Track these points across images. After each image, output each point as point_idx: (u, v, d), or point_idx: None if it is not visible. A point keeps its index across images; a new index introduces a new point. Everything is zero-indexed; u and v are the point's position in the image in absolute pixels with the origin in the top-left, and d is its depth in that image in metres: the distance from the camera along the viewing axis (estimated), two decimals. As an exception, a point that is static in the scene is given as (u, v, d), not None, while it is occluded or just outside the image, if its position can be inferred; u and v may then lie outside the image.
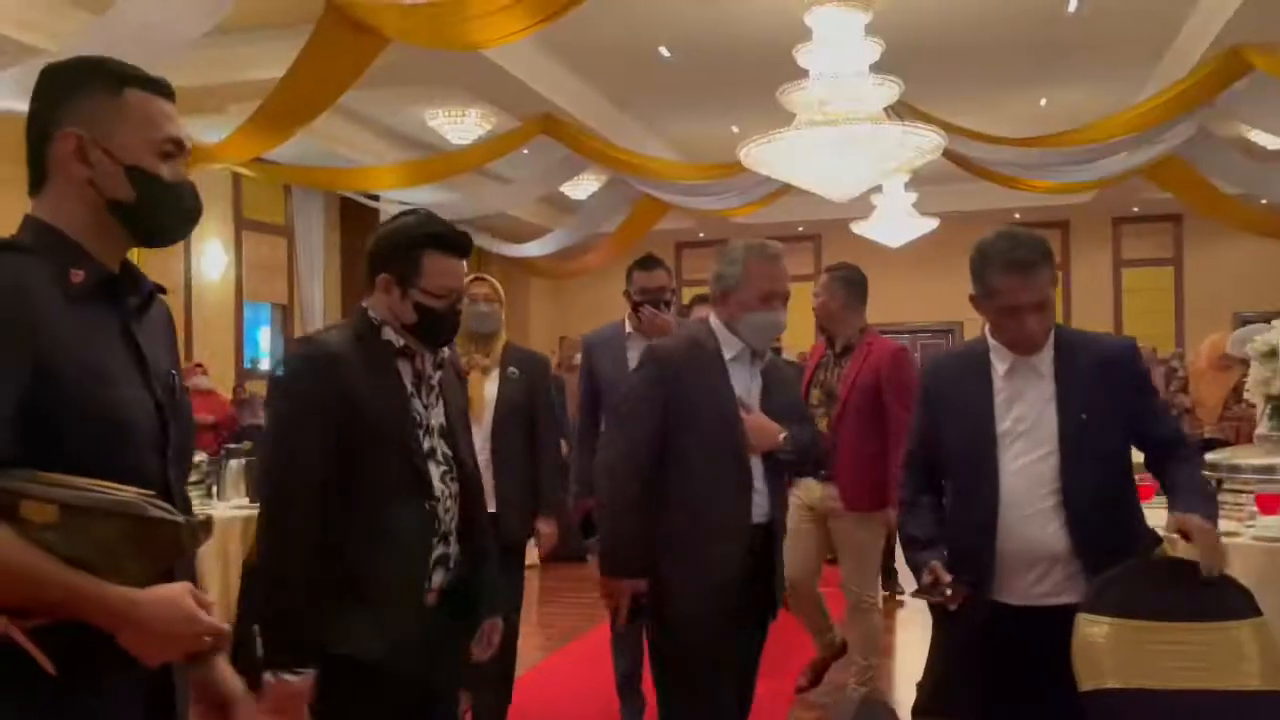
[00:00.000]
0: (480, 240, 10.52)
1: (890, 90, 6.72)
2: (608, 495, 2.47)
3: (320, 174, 9.11)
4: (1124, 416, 2.13)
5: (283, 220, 10.66)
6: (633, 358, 3.25)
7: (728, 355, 2.48)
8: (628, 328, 3.59)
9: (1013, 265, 2.08)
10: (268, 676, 1.77)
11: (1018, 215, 13.22)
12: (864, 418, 3.57)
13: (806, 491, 3.73)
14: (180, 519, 1.23)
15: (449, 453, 2.00)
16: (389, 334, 1.96)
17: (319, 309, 10.28)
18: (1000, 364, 2.18)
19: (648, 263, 3.58)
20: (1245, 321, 13.15)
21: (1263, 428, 3.31)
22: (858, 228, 10.38)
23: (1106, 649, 1.85)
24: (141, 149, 1.31)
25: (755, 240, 2.56)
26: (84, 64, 1.32)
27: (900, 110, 7.60)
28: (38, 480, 1.17)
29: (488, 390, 3.21)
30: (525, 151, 9.09)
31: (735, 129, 9.94)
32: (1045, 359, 2.15)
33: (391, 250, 1.98)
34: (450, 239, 1.99)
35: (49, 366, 1.19)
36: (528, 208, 11.69)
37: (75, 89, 1.30)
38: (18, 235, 1.28)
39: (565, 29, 6.22)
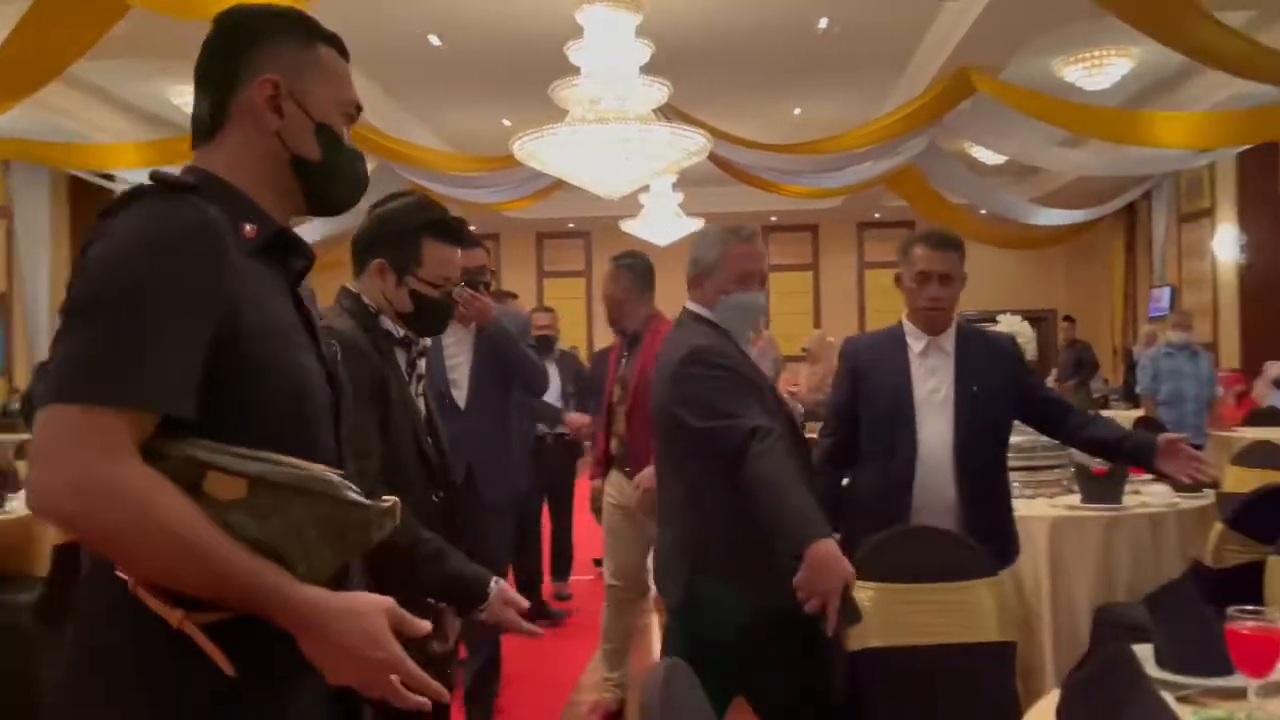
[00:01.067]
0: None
1: (659, 92, 6.91)
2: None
3: (49, 150, 8.25)
4: (1010, 392, 2.60)
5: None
6: (449, 344, 3.02)
7: (738, 340, 2.39)
8: None
9: (929, 238, 2.60)
10: None
11: (774, 218, 14.01)
12: None
13: (618, 490, 3.60)
14: (371, 504, 1.07)
15: (430, 442, 1.95)
16: (387, 323, 1.91)
17: (44, 300, 9.28)
18: (915, 344, 2.60)
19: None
20: (970, 320, 14.73)
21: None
22: (627, 225, 10.61)
23: (871, 611, 1.99)
24: (332, 108, 1.22)
25: (729, 224, 2.47)
26: (279, 10, 1.22)
27: (668, 112, 7.84)
28: (221, 450, 1.01)
29: None
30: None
31: (507, 122, 9.89)
32: (949, 341, 2.60)
33: (389, 235, 1.90)
34: (452, 227, 1.95)
35: (234, 319, 1.03)
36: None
37: (272, 34, 1.19)
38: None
39: (329, 8, 5.94)
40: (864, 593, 2.03)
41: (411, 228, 1.91)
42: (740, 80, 9.50)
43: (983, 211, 11.92)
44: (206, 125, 1.18)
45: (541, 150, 7.06)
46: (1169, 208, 12.16)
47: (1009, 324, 3.69)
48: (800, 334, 14.53)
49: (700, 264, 2.38)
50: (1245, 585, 2.07)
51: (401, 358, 1.93)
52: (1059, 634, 2.93)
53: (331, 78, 1.22)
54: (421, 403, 1.97)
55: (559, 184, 8.63)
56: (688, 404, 2.17)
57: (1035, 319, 14.78)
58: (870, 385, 2.60)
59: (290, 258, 1.22)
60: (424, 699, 1.04)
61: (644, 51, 6.80)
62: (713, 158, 8.83)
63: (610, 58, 6.71)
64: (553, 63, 6.86)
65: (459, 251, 1.98)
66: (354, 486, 1.06)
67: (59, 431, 0.95)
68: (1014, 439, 3.37)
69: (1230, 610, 1.32)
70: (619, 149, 6.94)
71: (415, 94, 9.55)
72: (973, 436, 2.49)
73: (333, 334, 1.56)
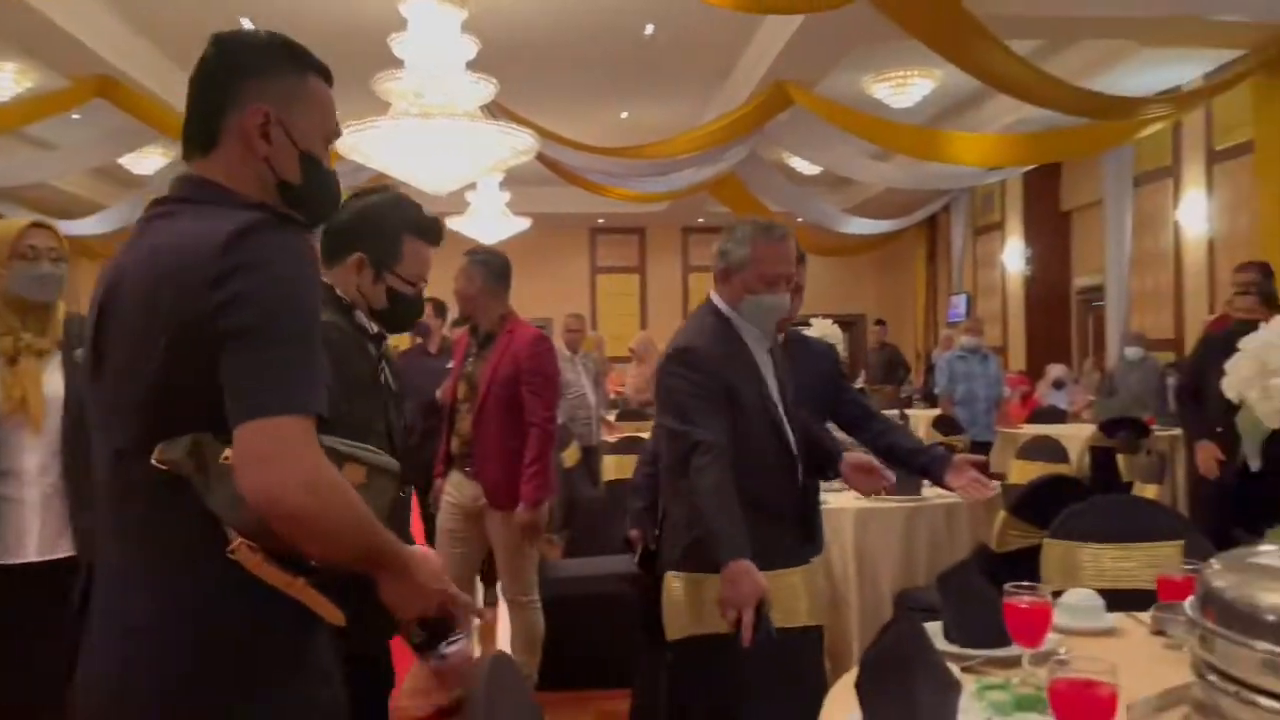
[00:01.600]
0: (14, 214, 9.08)
1: (486, 89, 6.83)
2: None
3: None
4: (827, 394, 2.73)
5: None
6: None
7: (748, 339, 2.35)
8: None
9: (771, 233, 2.34)
10: (432, 662, 1.62)
11: (601, 220, 14.13)
12: (506, 410, 3.38)
13: (457, 489, 3.52)
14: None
15: (389, 436, 1.94)
16: (360, 318, 1.90)
17: None
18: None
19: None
20: (792, 324, 15.44)
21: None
22: (453, 223, 10.43)
23: (686, 602, 2.05)
24: (315, 136, 1.33)
25: (763, 220, 2.40)
26: (275, 41, 1.33)
27: (495, 110, 7.76)
28: (343, 442, 1.24)
29: (48, 384, 2.26)
30: (75, 116, 8.01)
31: (327, 113, 9.55)
32: (778, 341, 2.62)
33: (370, 230, 1.88)
34: (432, 227, 1.97)
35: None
36: (78, 180, 10.32)
37: (268, 65, 1.30)
38: (181, 191, 1.27)
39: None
40: (677, 582, 2.09)
41: (394, 225, 1.91)
42: (568, 82, 9.52)
43: (799, 219, 12.42)
44: (199, 140, 1.29)
45: (363, 144, 6.85)
46: (965, 221, 13.07)
47: (820, 327, 3.87)
48: (627, 335, 14.72)
49: (728, 259, 2.33)
50: (1025, 567, 2.25)
51: (372, 351, 1.93)
52: (864, 617, 3.11)
53: (316, 108, 1.34)
54: (387, 399, 1.98)
55: (380, 179, 8.40)
56: (660, 397, 2.27)
57: (846, 323, 15.59)
58: (732, 389, 2.57)
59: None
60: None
61: (470, 47, 6.70)
62: (541, 158, 8.82)
63: (435, 52, 6.59)
64: (376, 54, 6.67)
65: (432, 252, 2.00)
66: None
67: (284, 437, 1.11)
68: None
69: (1007, 587, 1.44)
70: (444, 145, 6.83)
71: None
72: (793, 435, 2.57)
73: (330, 330, 1.61)
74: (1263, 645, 1.06)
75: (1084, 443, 5.92)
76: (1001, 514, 2.90)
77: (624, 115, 10.77)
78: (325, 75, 1.37)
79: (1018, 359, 11.56)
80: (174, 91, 8.51)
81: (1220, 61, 8.36)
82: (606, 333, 14.57)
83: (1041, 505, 2.71)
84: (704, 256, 15.51)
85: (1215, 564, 1.21)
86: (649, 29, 8.29)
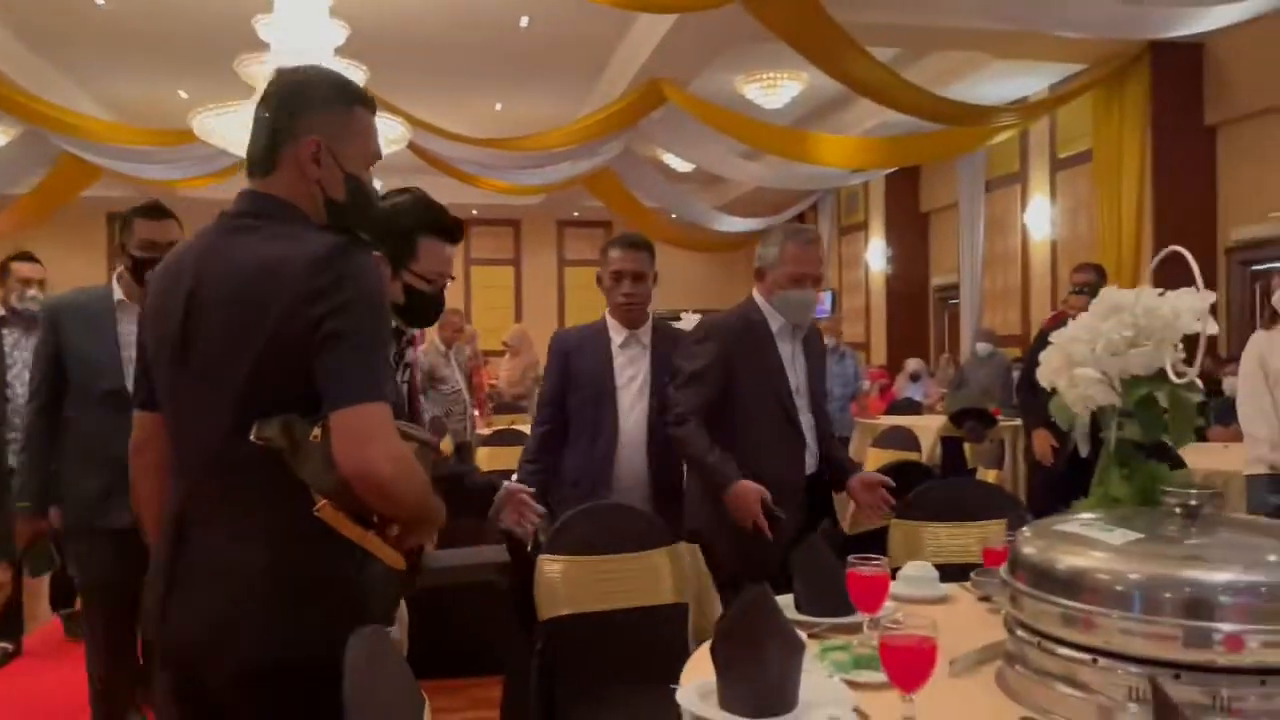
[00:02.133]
0: None
1: (355, 76, 6.70)
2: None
3: None
4: None
5: None
6: (125, 331, 2.60)
7: (774, 328, 2.68)
8: (117, 294, 2.72)
9: (622, 240, 2.83)
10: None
11: (475, 211, 13.99)
12: None
13: None
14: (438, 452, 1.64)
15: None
16: None
17: None
18: (616, 336, 2.85)
19: (155, 210, 2.74)
20: (662, 319, 15.83)
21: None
22: (321, 212, 10.19)
23: (561, 583, 2.11)
24: (359, 160, 1.56)
25: (794, 224, 2.60)
26: (328, 79, 1.57)
27: (365, 97, 7.62)
28: (405, 426, 1.50)
29: None
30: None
31: (184, 94, 9.16)
32: (646, 335, 2.86)
33: (390, 230, 1.94)
34: (449, 226, 2.03)
35: None
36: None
37: (321, 100, 1.52)
38: (278, 212, 1.50)
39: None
40: (555, 565, 2.15)
41: (410, 224, 1.98)
42: (442, 71, 9.41)
43: (674, 215, 12.61)
44: (262, 161, 1.52)
45: (222, 127, 6.64)
46: (832, 220, 13.54)
47: (690, 322, 4.00)
48: (502, 327, 14.64)
49: (763, 259, 2.70)
50: (875, 547, 2.40)
51: (390, 347, 1.94)
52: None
53: (361, 136, 1.56)
54: (404, 389, 2.08)
55: (240, 164, 8.11)
56: (678, 359, 2.69)
57: (719, 318, 15.88)
58: (572, 376, 2.84)
59: None
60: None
61: (339, 33, 6.57)
62: (412, 147, 8.70)
63: (302, 36, 6.42)
64: (238, 36, 6.46)
65: (452, 250, 2.07)
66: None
67: (375, 420, 1.37)
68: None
69: (850, 558, 1.56)
70: (312, 132, 6.67)
71: (76, 57, 8.60)
72: (808, 420, 2.74)
73: None
74: (1061, 601, 1.20)
75: (936, 432, 6.27)
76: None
77: (499, 106, 10.72)
78: (370, 105, 1.59)
79: (879, 354, 12.06)
80: (18, 67, 8.03)
81: (1065, 74, 8.92)
82: (481, 326, 14.44)
83: (889, 490, 2.88)
84: (580, 250, 15.57)
85: (1026, 532, 1.35)
86: (524, 21, 8.28)
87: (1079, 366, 1.35)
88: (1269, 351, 3.50)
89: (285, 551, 1.41)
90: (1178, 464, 3.75)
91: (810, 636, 1.58)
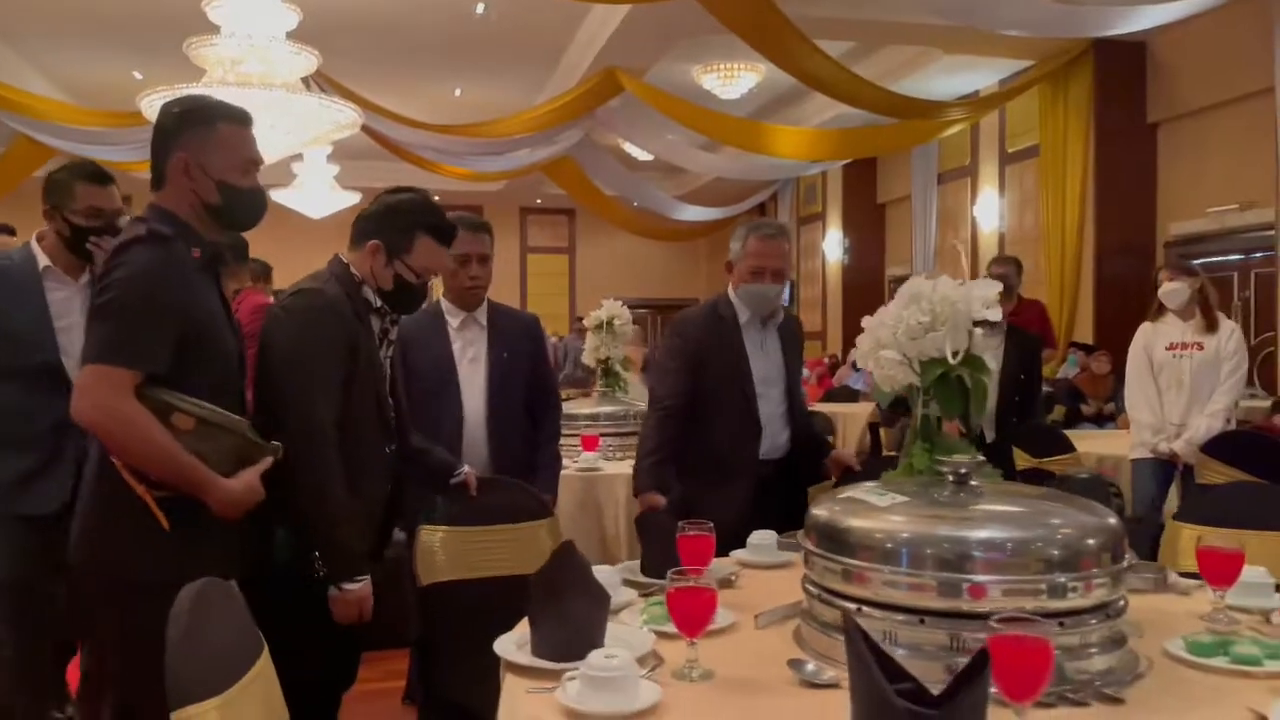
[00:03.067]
0: None
1: (308, 60, 6.71)
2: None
3: None
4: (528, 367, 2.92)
5: None
6: (57, 299, 2.50)
7: (741, 319, 2.76)
8: (41, 260, 2.54)
9: (466, 224, 2.74)
10: (332, 591, 1.95)
11: (437, 198, 13.97)
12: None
13: None
14: (267, 445, 1.85)
15: (388, 399, 2.20)
16: (368, 293, 2.13)
17: None
18: (453, 319, 2.86)
19: (99, 175, 2.58)
20: (625, 307, 16.11)
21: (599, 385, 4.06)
22: (277, 195, 10.17)
23: (441, 551, 2.21)
24: (227, 168, 1.86)
25: (760, 219, 2.78)
26: (191, 105, 1.90)
27: (320, 82, 7.63)
28: (182, 399, 1.75)
29: None
30: None
31: (139, 75, 9.12)
32: (483, 315, 2.87)
33: (390, 223, 2.12)
34: (446, 230, 2.18)
35: (192, 315, 1.79)
36: None
37: (184, 125, 1.86)
38: (150, 219, 1.82)
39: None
40: (436, 535, 2.25)
41: (412, 222, 2.13)
42: (399, 57, 9.43)
43: (634, 204, 12.68)
44: (156, 178, 1.87)
45: (173, 109, 6.63)
46: (791, 210, 13.67)
47: (609, 309, 4.07)
48: (463, 314, 14.73)
49: (731, 252, 2.81)
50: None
51: (375, 324, 2.14)
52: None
53: (225, 146, 1.86)
54: (387, 365, 2.19)
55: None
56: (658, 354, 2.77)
57: (681, 306, 15.97)
58: (418, 363, 2.81)
59: (218, 267, 1.97)
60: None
61: (291, 17, 6.59)
62: (370, 133, 8.72)
63: (254, 19, 6.44)
64: (190, 18, 6.46)
65: (447, 251, 2.23)
66: (254, 431, 1.83)
67: (99, 377, 1.70)
68: (609, 409, 3.78)
69: (680, 523, 1.67)
70: (261, 115, 6.64)
71: (27, 35, 8.55)
72: (768, 408, 2.80)
73: (316, 295, 2.04)
74: (841, 559, 1.31)
75: (865, 420, 6.47)
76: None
77: (458, 93, 10.74)
78: (237, 118, 1.89)
79: (835, 343, 12.21)
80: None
81: (1014, 70, 9.07)
82: (442, 311, 14.51)
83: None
84: (542, 237, 15.62)
85: (822, 499, 1.46)
86: (480, 7, 8.31)
87: (883, 349, 1.45)
88: (1153, 342, 3.65)
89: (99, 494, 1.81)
90: (1065, 446, 3.91)
91: (641, 595, 1.69)
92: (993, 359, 4.20)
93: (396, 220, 2.12)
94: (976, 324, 1.49)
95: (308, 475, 1.91)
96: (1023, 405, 3.95)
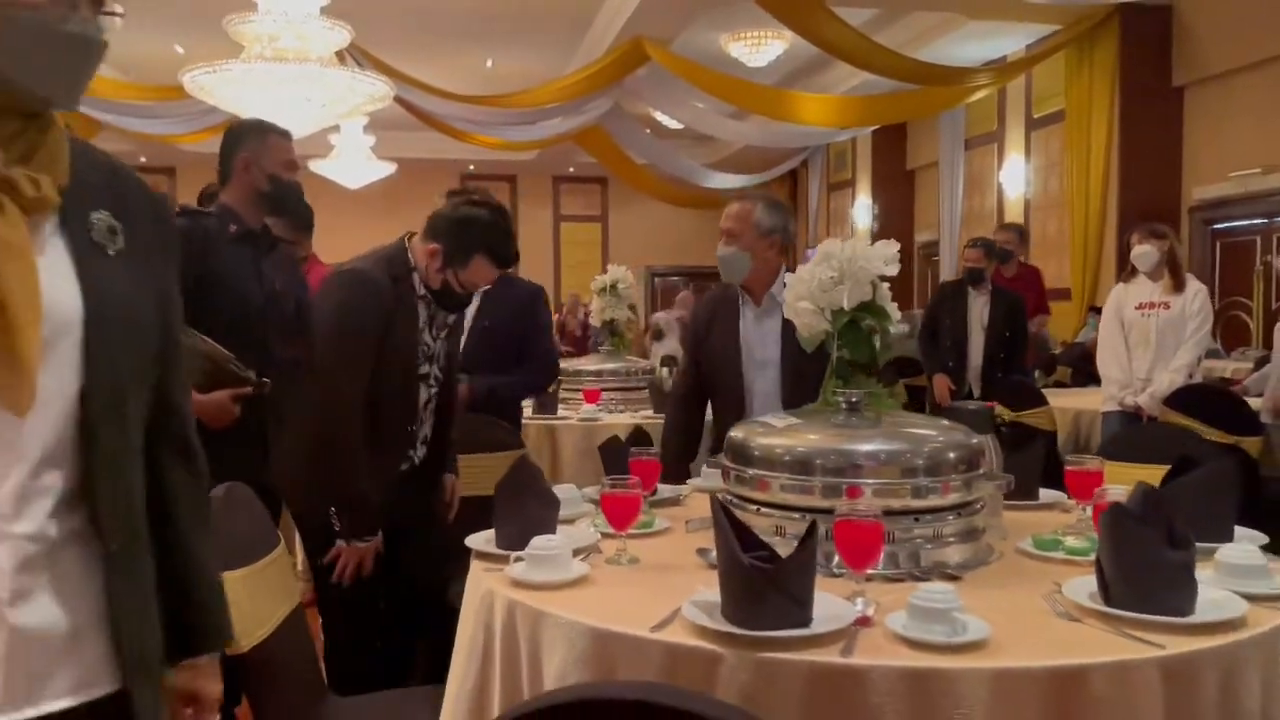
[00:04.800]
0: None
1: (341, 35, 6.98)
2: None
3: None
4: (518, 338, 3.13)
5: None
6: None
7: (743, 298, 2.75)
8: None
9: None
10: (340, 543, 2.15)
11: (472, 167, 14.28)
12: None
13: None
14: (248, 376, 2.32)
15: (440, 376, 2.38)
16: (416, 281, 2.29)
17: None
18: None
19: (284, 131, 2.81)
20: (655, 275, 16.30)
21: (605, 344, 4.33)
22: (315, 166, 10.50)
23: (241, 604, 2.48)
24: (276, 165, 2.53)
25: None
26: (253, 125, 2.72)
27: (355, 55, 7.90)
28: (193, 334, 2.12)
29: (50, 279, 2.82)
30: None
31: (180, 49, 9.47)
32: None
33: (457, 236, 2.26)
34: (505, 256, 2.34)
35: (212, 270, 2.35)
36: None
37: (247, 135, 2.59)
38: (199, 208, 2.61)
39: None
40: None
41: (474, 242, 2.27)
42: (432, 29, 9.67)
43: (666, 172, 12.83)
44: (223, 175, 2.56)
45: (214, 85, 6.95)
46: (821, 177, 13.76)
47: (615, 273, 4.30)
48: (498, 282, 14.99)
49: None
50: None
51: (422, 311, 2.30)
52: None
53: (275, 151, 2.55)
54: (438, 347, 2.35)
55: (235, 118, 8.43)
56: None
57: (713, 274, 16.09)
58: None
59: (260, 241, 2.57)
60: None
61: (325, -8, 6.85)
62: (403, 104, 8.98)
63: (290, -4, 6.71)
64: (228, -4, 6.76)
65: (498, 271, 2.38)
66: (239, 364, 2.31)
67: None
68: (611, 366, 4.03)
69: (632, 449, 1.94)
70: (298, 89, 6.97)
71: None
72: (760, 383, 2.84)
73: (356, 277, 2.22)
74: (747, 469, 1.57)
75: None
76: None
77: (490, 64, 10.96)
78: (281, 133, 2.60)
79: (863, 309, 12.32)
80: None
81: (1040, 35, 9.09)
82: (479, 279, 14.79)
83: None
84: (575, 206, 15.84)
85: (740, 424, 1.72)
86: (509, -21, 8.51)
87: (801, 301, 1.70)
88: (1125, 302, 3.82)
89: None
90: (1040, 400, 4.11)
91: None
92: (980, 318, 4.42)
93: (463, 236, 2.25)
94: (884, 279, 1.72)
95: (327, 441, 2.12)
96: (1008, 360, 4.14)
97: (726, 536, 1.20)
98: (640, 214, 15.18)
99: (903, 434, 1.55)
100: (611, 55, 9.15)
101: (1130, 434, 2.63)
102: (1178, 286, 3.77)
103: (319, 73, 6.96)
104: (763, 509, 1.53)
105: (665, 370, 4.16)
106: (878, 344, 1.71)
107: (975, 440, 1.54)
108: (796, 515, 1.50)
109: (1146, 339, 3.74)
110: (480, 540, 1.67)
